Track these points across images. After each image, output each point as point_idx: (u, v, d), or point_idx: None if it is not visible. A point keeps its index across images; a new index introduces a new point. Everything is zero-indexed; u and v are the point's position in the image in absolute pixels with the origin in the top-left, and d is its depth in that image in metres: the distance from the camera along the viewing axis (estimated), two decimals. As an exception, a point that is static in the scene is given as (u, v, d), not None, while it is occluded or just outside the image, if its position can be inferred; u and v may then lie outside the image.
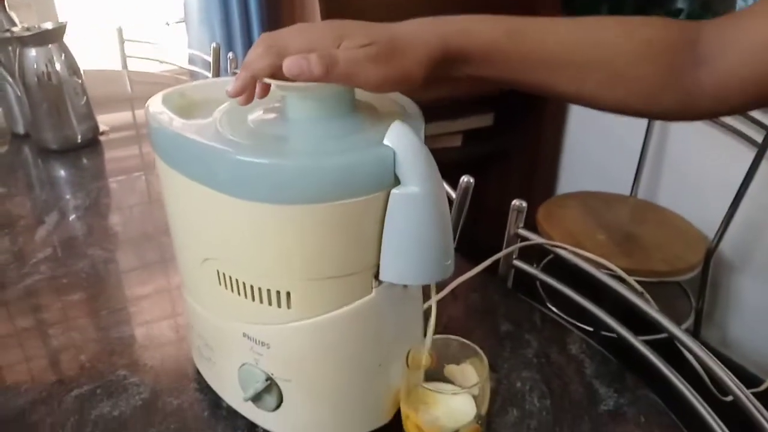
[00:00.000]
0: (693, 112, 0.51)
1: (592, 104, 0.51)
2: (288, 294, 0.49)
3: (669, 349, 0.70)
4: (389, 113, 0.51)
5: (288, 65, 0.43)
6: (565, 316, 0.86)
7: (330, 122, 0.49)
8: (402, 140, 0.45)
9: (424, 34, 0.46)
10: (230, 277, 0.51)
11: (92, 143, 1.34)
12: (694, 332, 1.74)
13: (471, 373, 0.57)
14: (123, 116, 1.56)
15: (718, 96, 0.48)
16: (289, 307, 0.49)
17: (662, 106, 0.50)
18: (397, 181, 0.46)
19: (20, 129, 1.37)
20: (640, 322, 0.72)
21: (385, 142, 0.44)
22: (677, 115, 0.52)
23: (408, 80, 0.46)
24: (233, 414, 0.61)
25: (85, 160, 1.28)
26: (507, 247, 0.83)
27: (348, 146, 0.46)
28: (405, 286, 0.53)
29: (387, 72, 0.44)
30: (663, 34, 0.49)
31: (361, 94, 0.51)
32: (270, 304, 0.50)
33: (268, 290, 0.49)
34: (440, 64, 0.47)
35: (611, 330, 0.75)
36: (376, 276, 0.50)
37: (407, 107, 0.53)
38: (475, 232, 1.49)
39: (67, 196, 1.13)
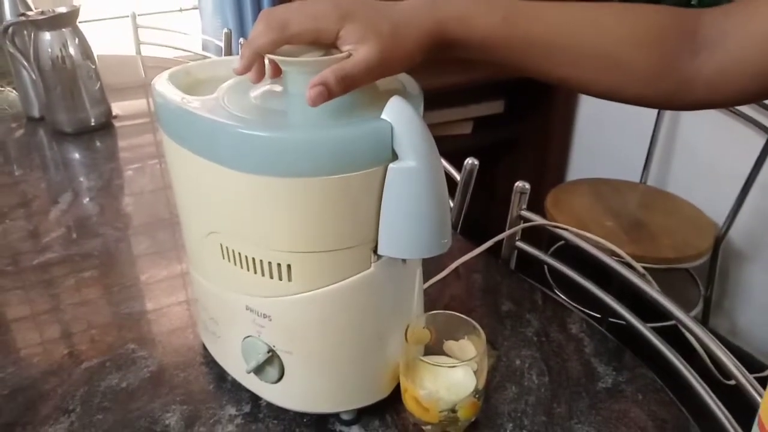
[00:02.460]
0: (686, 101, 0.50)
1: (587, 89, 0.51)
2: (289, 267, 0.50)
3: (675, 337, 0.71)
4: (389, 89, 0.52)
5: (312, 97, 0.44)
6: (573, 303, 0.87)
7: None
8: (400, 115, 0.45)
9: (421, 19, 0.47)
10: (233, 251, 0.52)
11: (105, 126, 1.35)
12: (703, 320, 1.73)
13: (469, 348, 0.58)
14: (137, 103, 1.58)
15: (714, 84, 0.48)
16: (290, 279, 0.51)
17: (656, 94, 0.50)
18: (394, 156, 0.46)
19: (35, 112, 1.39)
20: (646, 310, 0.72)
21: (383, 116, 0.45)
22: (670, 104, 0.51)
23: (404, 66, 0.47)
24: (237, 387, 0.63)
25: (98, 143, 1.30)
26: (510, 228, 0.84)
27: (346, 120, 0.47)
28: (404, 261, 0.54)
29: (387, 66, 0.46)
30: (659, 21, 0.48)
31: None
32: (271, 276, 0.51)
33: (269, 263, 0.50)
34: (436, 49, 0.48)
35: (617, 315, 0.75)
36: (375, 250, 0.51)
37: (407, 84, 0.54)
38: (484, 219, 1.50)
39: (81, 178, 1.15)
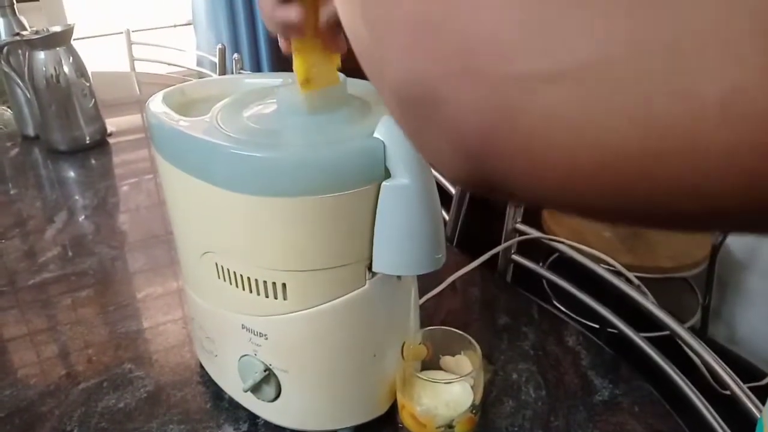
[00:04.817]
0: None
1: None
2: (284, 285, 0.50)
3: (672, 346, 0.71)
4: (380, 107, 0.52)
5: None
6: (572, 314, 0.87)
7: (322, 116, 0.50)
8: (392, 133, 0.46)
9: None
10: (228, 270, 0.52)
11: (100, 144, 1.36)
12: (701, 328, 1.73)
13: (466, 363, 0.58)
14: (132, 119, 1.58)
15: None
16: (285, 298, 0.51)
17: None
18: (387, 174, 0.47)
19: (30, 131, 1.39)
20: (643, 320, 0.73)
21: (376, 135, 0.46)
22: None
23: None
24: (235, 405, 0.63)
25: (93, 161, 1.30)
26: (505, 242, 0.84)
27: (339, 139, 0.47)
28: (398, 278, 0.54)
29: None
30: None
31: (353, 89, 0.52)
32: (267, 295, 0.51)
33: (265, 282, 0.50)
34: None
35: (612, 326, 0.75)
36: (370, 268, 0.51)
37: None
38: (482, 230, 1.50)
39: (76, 196, 1.15)
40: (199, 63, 2.06)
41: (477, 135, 0.19)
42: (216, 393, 0.65)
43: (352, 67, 0.54)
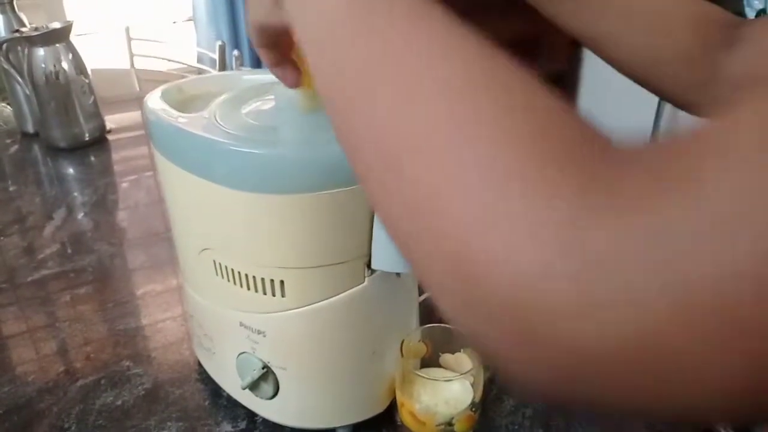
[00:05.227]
0: (709, 97, 0.44)
1: (625, 56, 0.44)
2: (282, 282, 0.50)
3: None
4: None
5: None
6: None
7: (321, 113, 0.49)
8: (390, 130, 0.45)
9: None
10: (226, 267, 0.52)
11: (100, 141, 1.36)
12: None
13: (466, 361, 0.58)
14: (131, 116, 1.58)
15: (737, 83, 0.42)
16: (283, 295, 0.50)
17: (690, 79, 0.44)
18: (386, 171, 0.46)
19: (29, 128, 1.39)
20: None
21: (374, 132, 0.45)
22: (696, 97, 0.45)
23: None
24: (233, 403, 0.63)
25: (92, 158, 1.30)
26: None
27: (337, 136, 0.47)
28: (398, 276, 0.54)
29: None
30: (708, 7, 0.44)
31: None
32: (265, 292, 0.51)
33: (263, 279, 0.50)
34: None
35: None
36: (369, 265, 0.50)
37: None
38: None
39: (75, 193, 1.15)
40: (199, 60, 2.05)
41: (544, 389, 0.20)
42: (214, 390, 0.65)
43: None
